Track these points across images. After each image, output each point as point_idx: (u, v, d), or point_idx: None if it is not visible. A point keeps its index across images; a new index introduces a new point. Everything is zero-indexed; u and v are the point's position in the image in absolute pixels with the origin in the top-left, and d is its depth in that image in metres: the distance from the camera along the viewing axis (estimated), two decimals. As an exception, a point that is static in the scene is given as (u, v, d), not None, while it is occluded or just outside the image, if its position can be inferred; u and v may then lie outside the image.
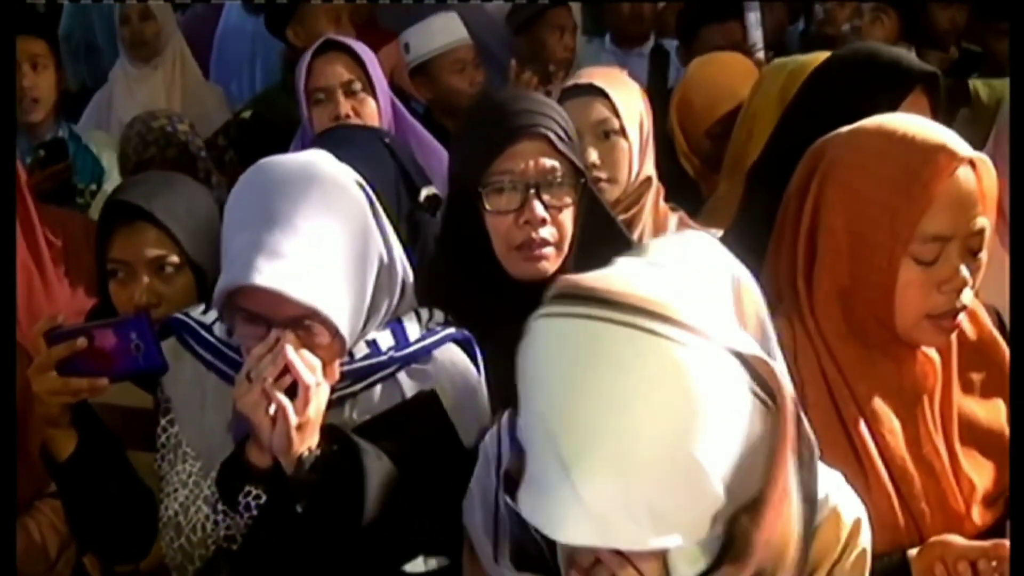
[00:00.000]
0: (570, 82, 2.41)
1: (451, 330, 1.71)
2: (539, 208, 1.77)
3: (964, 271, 1.52)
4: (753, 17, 3.77)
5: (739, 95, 2.81)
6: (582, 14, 4.64)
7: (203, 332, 1.69)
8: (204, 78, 4.35)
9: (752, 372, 1.07)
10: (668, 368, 1.02)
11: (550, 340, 1.07)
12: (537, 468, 1.06)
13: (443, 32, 3.69)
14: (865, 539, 1.32)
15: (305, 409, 1.48)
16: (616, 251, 1.87)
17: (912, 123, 1.58)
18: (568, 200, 1.81)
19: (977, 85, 2.92)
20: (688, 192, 2.88)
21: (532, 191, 1.78)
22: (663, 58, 4.33)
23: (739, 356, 1.06)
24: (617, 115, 2.33)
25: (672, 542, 1.05)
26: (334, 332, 1.54)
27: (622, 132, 2.33)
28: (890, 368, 1.59)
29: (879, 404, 1.57)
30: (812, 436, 1.20)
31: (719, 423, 1.04)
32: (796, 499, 1.13)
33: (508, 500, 1.19)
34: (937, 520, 1.56)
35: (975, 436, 1.63)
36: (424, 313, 1.73)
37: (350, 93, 2.75)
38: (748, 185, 2.23)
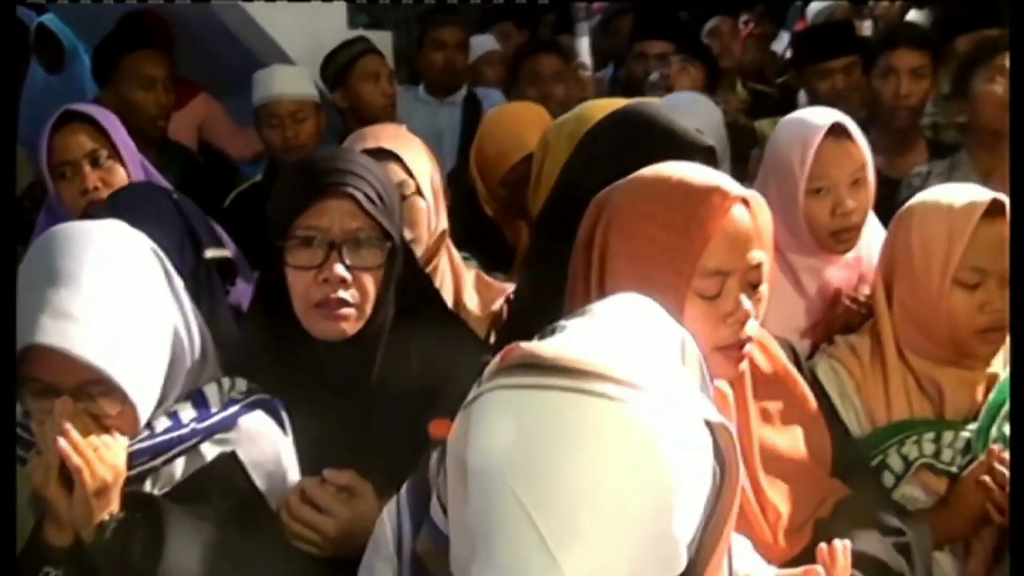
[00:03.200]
0: (359, 147, 2.33)
1: (254, 397, 1.69)
2: (339, 267, 1.76)
3: (746, 303, 1.57)
4: (584, 41, 3.93)
5: (529, 144, 2.83)
6: (395, 63, 4.71)
7: None
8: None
9: (714, 440, 1.04)
10: (643, 439, 0.97)
11: (510, 413, 1.00)
12: (512, 555, 0.97)
13: (267, 85, 3.72)
14: None
15: (97, 473, 1.45)
16: (431, 313, 1.94)
17: (687, 168, 1.64)
18: (373, 262, 1.80)
19: (764, 125, 3.08)
20: (492, 238, 2.92)
21: (334, 250, 1.76)
22: (476, 106, 4.38)
23: (708, 424, 1.03)
24: (412, 176, 2.33)
25: None
26: (123, 399, 1.50)
27: (418, 192, 2.34)
28: None
29: None
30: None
31: (691, 494, 1.01)
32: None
33: None
34: None
35: (777, 465, 1.68)
36: (226, 382, 1.70)
37: (96, 164, 2.63)
38: (531, 238, 2.29)
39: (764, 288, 1.62)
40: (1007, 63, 3.11)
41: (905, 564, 1.65)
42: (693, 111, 3.12)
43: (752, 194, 1.62)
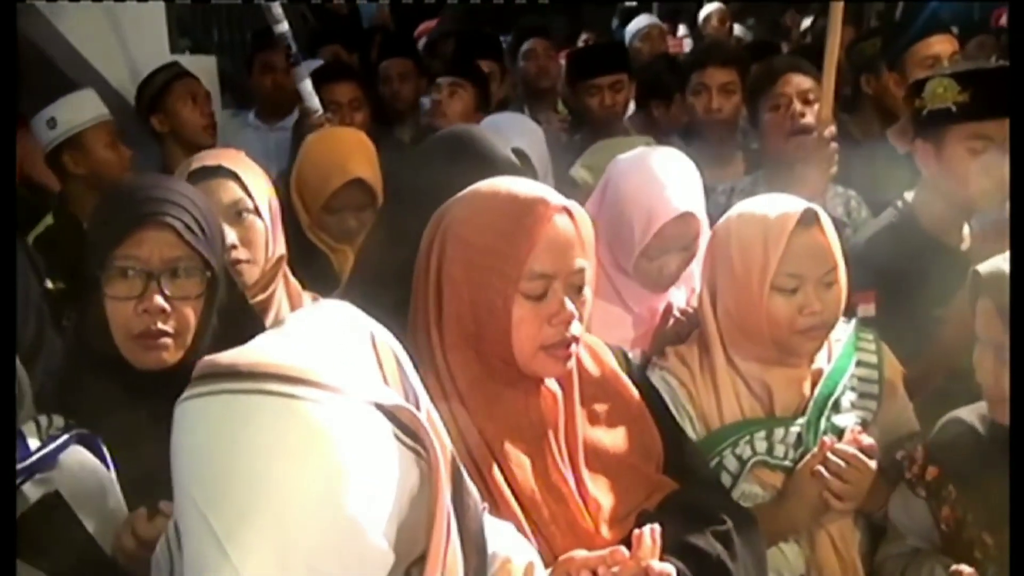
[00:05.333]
0: (196, 164, 2.33)
1: (73, 432, 1.65)
2: (158, 298, 1.76)
3: (570, 305, 1.67)
4: (306, 84, 3.91)
5: (351, 170, 2.83)
6: (221, 90, 4.62)
7: None
8: None
9: (397, 422, 1.09)
10: (308, 429, 1.03)
11: (194, 421, 1.06)
12: (193, 552, 1.04)
13: (92, 105, 3.62)
14: None
15: None
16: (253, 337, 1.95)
17: (516, 182, 1.74)
18: (193, 291, 1.81)
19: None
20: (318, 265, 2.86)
21: (153, 280, 1.77)
22: (307, 131, 4.32)
23: (380, 407, 1.08)
24: (249, 195, 2.30)
25: None
26: None
27: (256, 211, 2.31)
28: (518, 405, 1.71)
29: (507, 441, 1.68)
30: (474, 487, 1.24)
31: (369, 477, 1.06)
32: (459, 549, 1.15)
33: None
34: (568, 540, 1.64)
35: (602, 462, 1.76)
36: (43, 420, 1.66)
37: None
38: (355, 261, 2.30)
39: (588, 292, 1.72)
40: (785, 89, 3.29)
41: (723, 550, 1.71)
42: (514, 130, 3.22)
43: (573, 204, 1.71)
